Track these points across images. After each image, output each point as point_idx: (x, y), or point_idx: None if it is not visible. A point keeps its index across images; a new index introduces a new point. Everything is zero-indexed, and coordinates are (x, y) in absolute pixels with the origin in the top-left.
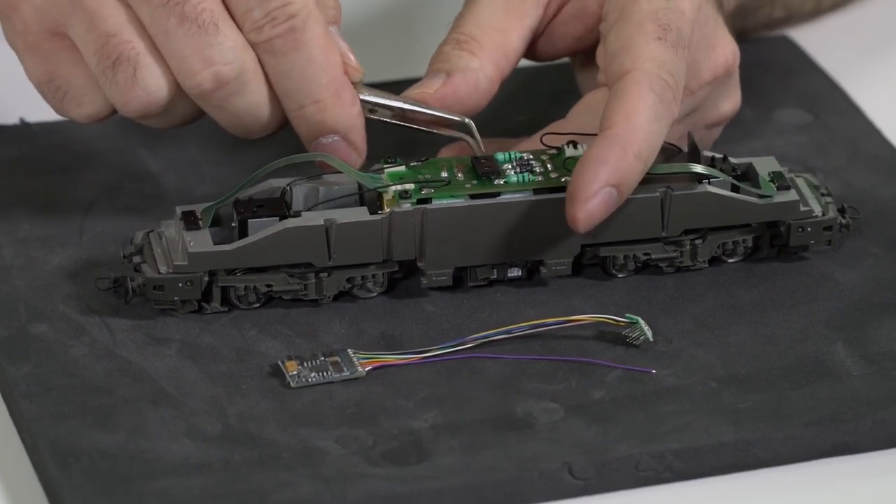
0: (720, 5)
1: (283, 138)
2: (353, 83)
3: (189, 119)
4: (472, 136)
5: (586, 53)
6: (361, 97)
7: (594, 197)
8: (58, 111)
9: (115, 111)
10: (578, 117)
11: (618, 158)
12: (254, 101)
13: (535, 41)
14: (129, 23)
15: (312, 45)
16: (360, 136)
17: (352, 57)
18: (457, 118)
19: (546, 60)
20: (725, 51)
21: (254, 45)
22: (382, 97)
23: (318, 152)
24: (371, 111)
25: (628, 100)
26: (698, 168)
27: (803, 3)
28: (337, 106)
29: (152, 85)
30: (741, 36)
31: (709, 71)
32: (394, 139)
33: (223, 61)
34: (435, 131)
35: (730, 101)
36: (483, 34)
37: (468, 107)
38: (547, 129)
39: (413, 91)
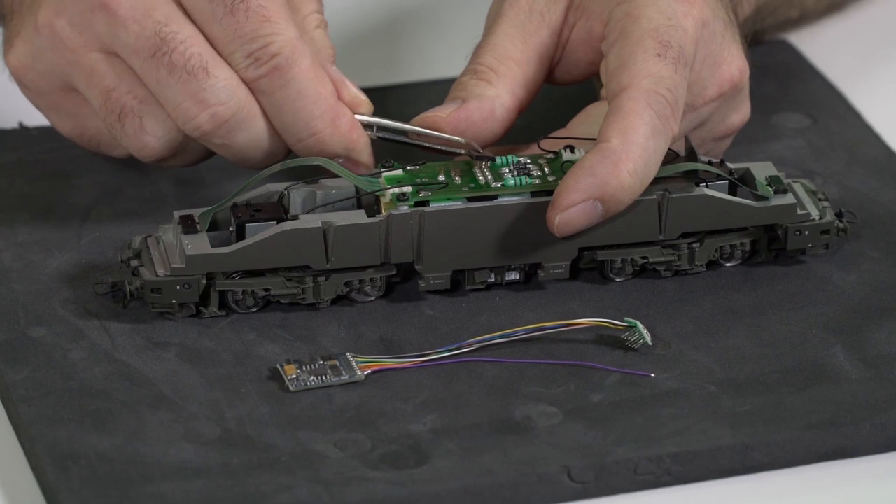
0: (732, 15)
1: None
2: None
3: (206, 155)
4: (477, 150)
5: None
6: (362, 120)
7: (574, 206)
8: (98, 153)
9: None
10: (577, 127)
11: (608, 173)
12: (255, 135)
13: (552, 69)
14: (126, 75)
15: (300, 79)
16: (364, 154)
17: (361, 94)
18: (458, 140)
19: (566, 85)
20: (731, 68)
21: (245, 83)
22: (384, 122)
23: (316, 157)
24: (374, 132)
25: (625, 116)
26: (699, 164)
27: (817, 3)
28: (335, 135)
29: (160, 130)
30: (756, 38)
31: (714, 88)
32: (391, 143)
33: (218, 102)
34: (439, 148)
35: (738, 113)
36: (501, 65)
37: (483, 134)
38: (546, 138)
39: (426, 115)
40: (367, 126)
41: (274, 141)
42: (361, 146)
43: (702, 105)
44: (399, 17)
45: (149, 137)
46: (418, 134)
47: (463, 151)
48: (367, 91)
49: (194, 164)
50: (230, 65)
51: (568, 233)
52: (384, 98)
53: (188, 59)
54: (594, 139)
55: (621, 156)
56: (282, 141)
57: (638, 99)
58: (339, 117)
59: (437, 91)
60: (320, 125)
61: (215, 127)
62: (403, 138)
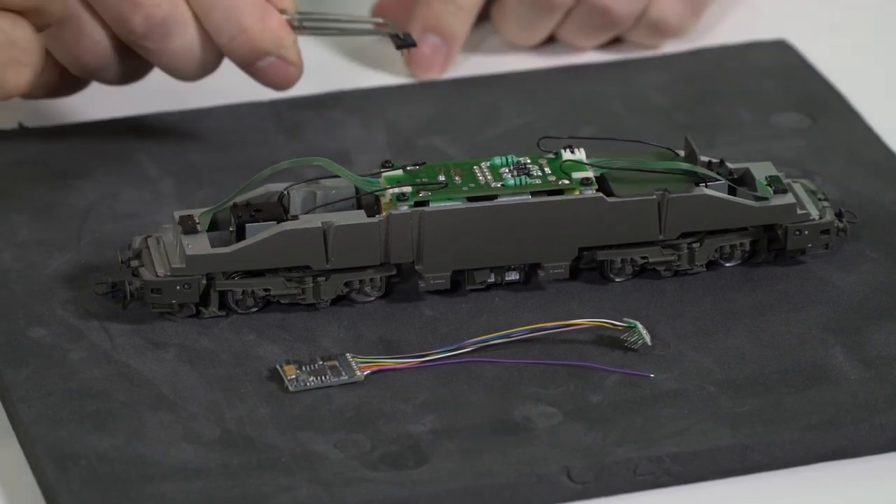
0: None
1: (281, 143)
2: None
3: (139, 70)
4: (397, 33)
5: None
6: (287, 17)
7: (418, 46)
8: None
9: (61, 79)
10: None
11: (422, 9)
12: (188, 40)
13: None
14: None
15: None
16: (293, 52)
17: None
18: (379, 21)
19: None
20: None
21: None
22: (306, 14)
23: (316, 157)
24: (300, 27)
25: None
26: (698, 166)
27: None
28: (265, 31)
29: (97, 34)
30: None
31: None
32: (391, 146)
33: (151, 3)
34: (362, 29)
35: None
36: None
37: None
38: (546, 138)
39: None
40: (293, 26)
41: (206, 48)
42: (290, 44)
43: None
44: None
45: (88, 41)
46: (336, 21)
47: (387, 33)
48: (368, 90)
49: (128, 82)
50: None
51: (432, 72)
52: (389, 96)
53: None
54: (593, 139)
55: None
56: (214, 49)
57: None
58: (267, 14)
59: (431, 91)
60: (250, 21)
61: (149, 30)
62: (328, 25)
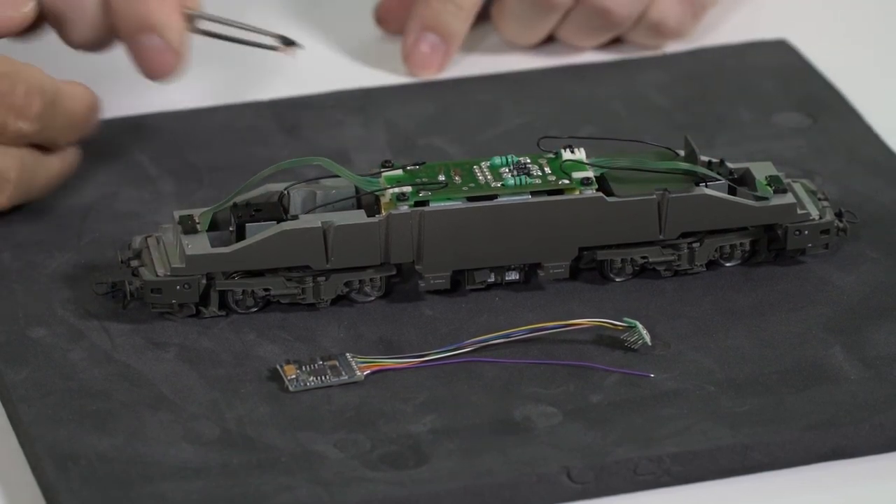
0: None
1: (281, 143)
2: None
3: (31, 26)
4: (293, 44)
5: None
6: (187, 10)
7: (417, 44)
8: None
9: None
10: None
11: (421, 8)
12: None
13: None
14: None
15: None
16: (178, 38)
17: None
18: (277, 36)
19: None
20: None
21: None
22: (206, 14)
23: (316, 157)
24: (193, 24)
25: None
26: (698, 166)
27: None
28: (160, 3)
29: None
30: None
31: None
32: (391, 146)
33: None
34: (257, 43)
35: None
36: None
37: None
38: (546, 138)
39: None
40: (188, 18)
41: (98, 8)
42: (177, 27)
43: None
44: None
45: None
46: (231, 24)
47: (279, 46)
48: (368, 90)
49: (14, 32)
50: None
51: (429, 70)
52: (389, 96)
53: None
54: (594, 138)
55: None
56: (105, 13)
57: None
58: None
59: (431, 91)
60: None
61: None
62: (222, 32)
